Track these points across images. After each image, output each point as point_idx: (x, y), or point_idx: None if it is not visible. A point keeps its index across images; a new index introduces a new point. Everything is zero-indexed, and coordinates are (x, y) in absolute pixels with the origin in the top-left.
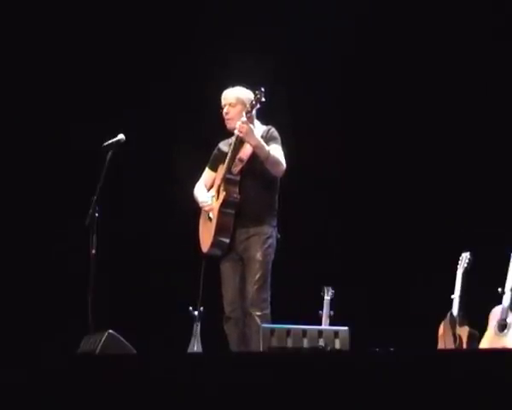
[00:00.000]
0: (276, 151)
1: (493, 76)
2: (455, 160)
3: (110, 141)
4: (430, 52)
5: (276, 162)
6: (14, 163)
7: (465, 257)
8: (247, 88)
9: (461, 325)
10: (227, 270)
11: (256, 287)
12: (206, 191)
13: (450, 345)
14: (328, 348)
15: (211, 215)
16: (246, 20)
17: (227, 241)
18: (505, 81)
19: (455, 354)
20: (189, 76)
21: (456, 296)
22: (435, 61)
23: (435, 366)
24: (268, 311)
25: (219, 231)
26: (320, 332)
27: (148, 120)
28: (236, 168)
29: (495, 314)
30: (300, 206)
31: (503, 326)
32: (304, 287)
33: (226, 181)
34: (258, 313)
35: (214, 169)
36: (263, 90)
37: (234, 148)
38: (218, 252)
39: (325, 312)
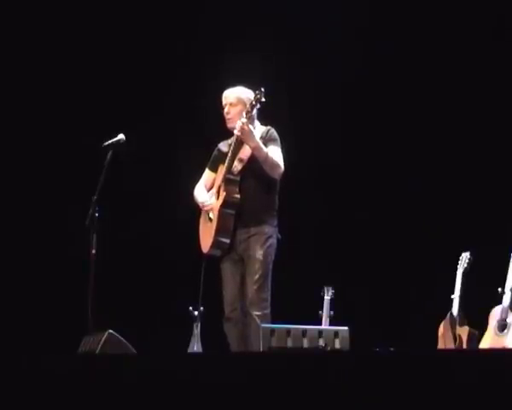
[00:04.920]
0: (275, 153)
1: (494, 76)
2: (455, 160)
3: (110, 141)
4: (432, 50)
5: (274, 164)
6: (15, 163)
7: (465, 257)
8: (247, 88)
9: (461, 325)
10: (227, 270)
11: (256, 287)
12: (206, 192)
13: (450, 345)
14: (328, 348)
15: (211, 216)
16: (246, 20)
17: (227, 241)
18: (505, 82)
19: (455, 354)
20: (189, 76)
21: (456, 296)
22: (438, 58)
23: (435, 366)
24: (268, 311)
25: (219, 231)
26: (320, 332)
27: (149, 120)
28: (236, 168)
29: (495, 314)
30: (300, 206)
31: (503, 326)
32: (304, 287)
33: (226, 181)
34: (258, 313)
35: (214, 170)
36: (263, 90)
37: (234, 148)
38: (218, 252)
39: (325, 312)
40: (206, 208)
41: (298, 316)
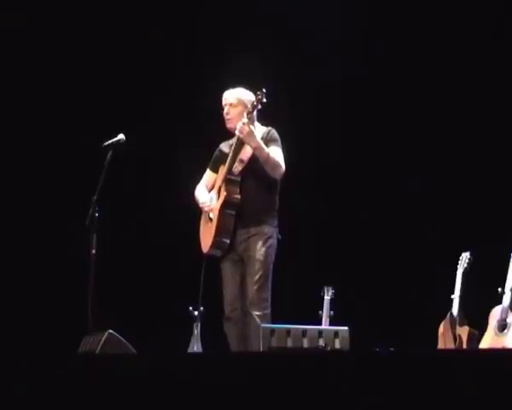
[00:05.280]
0: (276, 153)
1: (494, 76)
2: (455, 160)
3: (110, 141)
4: (432, 50)
5: (275, 165)
6: (15, 163)
7: (465, 257)
8: (248, 89)
9: (461, 325)
10: (227, 270)
11: (256, 287)
12: (207, 192)
13: (450, 345)
14: (328, 348)
15: (211, 216)
16: (246, 20)
17: (227, 241)
18: (505, 82)
19: (455, 354)
20: (189, 76)
21: (456, 296)
22: (438, 58)
23: (435, 366)
24: (268, 311)
25: (220, 231)
26: (320, 332)
27: (149, 120)
28: (237, 169)
29: (495, 314)
30: (300, 206)
31: (503, 326)
32: (304, 287)
33: (227, 182)
34: (258, 313)
35: (215, 170)
36: (264, 90)
37: (235, 148)
38: (218, 252)
39: (325, 312)
40: (206, 209)
41: (298, 316)
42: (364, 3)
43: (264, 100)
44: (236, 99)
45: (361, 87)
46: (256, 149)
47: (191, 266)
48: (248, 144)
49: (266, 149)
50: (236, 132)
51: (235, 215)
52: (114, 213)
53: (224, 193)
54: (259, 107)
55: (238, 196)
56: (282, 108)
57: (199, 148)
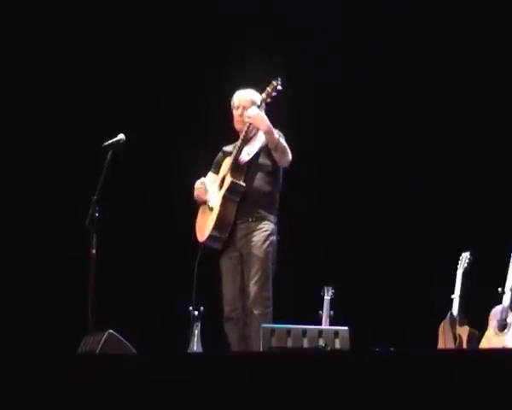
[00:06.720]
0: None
1: (493, 76)
2: (455, 160)
3: (110, 141)
4: (432, 50)
5: (284, 150)
6: (15, 163)
7: (465, 257)
8: (247, 88)
9: (461, 324)
10: (226, 269)
11: (257, 286)
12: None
13: (450, 345)
14: (328, 348)
15: (211, 205)
16: (246, 20)
17: (226, 235)
18: (505, 82)
19: (455, 354)
20: (189, 76)
21: (456, 296)
22: (438, 58)
23: (435, 366)
24: (270, 310)
25: (220, 222)
26: (320, 332)
27: (149, 120)
28: (243, 159)
29: (495, 314)
30: (300, 206)
31: (503, 326)
32: (304, 287)
33: (233, 168)
34: (261, 312)
35: (217, 172)
36: (279, 78)
37: (241, 142)
38: (217, 245)
39: (325, 312)
40: (199, 190)
41: (298, 316)
42: (364, 3)
43: (280, 87)
44: (250, 101)
45: (361, 87)
46: (267, 132)
47: (191, 266)
48: (259, 127)
49: (276, 135)
50: (246, 119)
51: (237, 205)
52: (114, 213)
53: (229, 179)
54: (274, 94)
55: (243, 184)
56: (283, 108)
57: (199, 148)
